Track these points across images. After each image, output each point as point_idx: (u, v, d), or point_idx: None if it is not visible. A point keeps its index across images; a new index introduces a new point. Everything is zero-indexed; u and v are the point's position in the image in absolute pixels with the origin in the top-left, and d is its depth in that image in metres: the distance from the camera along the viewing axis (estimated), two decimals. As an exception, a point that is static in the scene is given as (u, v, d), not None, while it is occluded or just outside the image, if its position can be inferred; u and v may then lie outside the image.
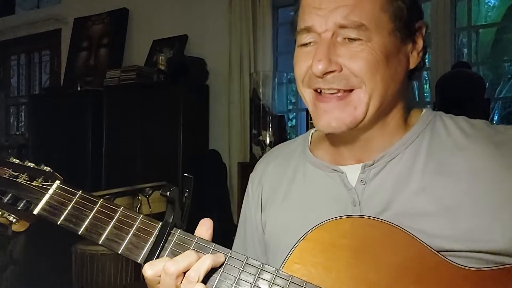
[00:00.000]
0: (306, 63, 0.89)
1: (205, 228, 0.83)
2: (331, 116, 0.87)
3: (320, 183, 0.97)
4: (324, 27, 0.85)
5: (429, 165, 0.87)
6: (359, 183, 0.91)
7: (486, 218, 0.80)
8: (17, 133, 5.31)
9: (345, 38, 0.85)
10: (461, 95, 2.63)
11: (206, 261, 0.76)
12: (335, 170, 0.95)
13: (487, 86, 3.03)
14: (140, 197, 3.08)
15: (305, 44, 0.90)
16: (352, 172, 0.93)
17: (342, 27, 0.84)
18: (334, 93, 0.87)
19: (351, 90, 0.86)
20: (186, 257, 0.76)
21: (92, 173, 4.00)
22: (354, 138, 0.92)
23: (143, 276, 0.79)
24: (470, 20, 3.23)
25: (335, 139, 0.96)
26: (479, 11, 3.53)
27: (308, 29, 0.88)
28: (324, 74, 0.85)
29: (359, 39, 0.84)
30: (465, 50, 3.30)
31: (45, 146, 4.31)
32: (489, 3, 3.83)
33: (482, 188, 0.82)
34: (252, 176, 1.14)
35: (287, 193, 1.01)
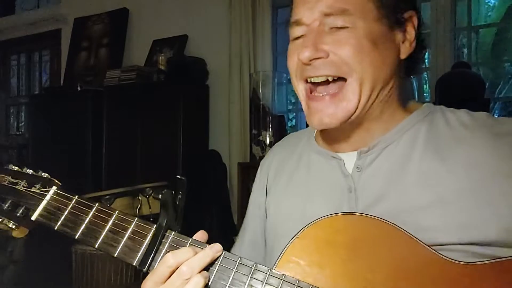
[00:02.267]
0: (297, 55, 0.92)
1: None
2: (323, 113, 0.90)
3: (320, 170, 0.99)
4: (311, 18, 0.89)
5: (426, 155, 0.88)
6: (355, 170, 0.93)
7: (482, 210, 0.80)
8: (17, 133, 5.31)
9: (332, 28, 0.88)
10: (461, 95, 2.63)
11: (206, 259, 0.78)
12: (334, 157, 0.97)
13: (487, 86, 3.02)
14: (140, 197, 3.07)
15: (297, 38, 0.94)
16: (350, 159, 0.94)
17: (328, 15, 0.88)
18: (324, 81, 0.90)
19: (341, 79, 0.89)
20: (186, 253, 0.77)
21: (92, 173, 4.00)
22: (351, 127, 0.94)
23: (143, 277, 0.80)
24: (470, 20, 3.22)
25: (332, 129, 0.97)
26: (479, 11, 3.52)
27: (297, 22, 0.92)
28: (312, 60, 0.88)
29: (345, 27, 0.87)
30: (465, 50, 3.30)
31: (45, 146, 4.31)
32: (489, 3, 3.82)
33: (479, 180, 0.82)
34: (261, 162, 1.18)
35: (290, 179, 1.04)
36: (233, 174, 3.61)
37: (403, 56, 0.93)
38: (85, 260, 2.96)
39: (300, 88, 0.95)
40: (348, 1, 0.87)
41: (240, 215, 3.35)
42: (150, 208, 2.94)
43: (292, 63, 0.95)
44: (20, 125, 5.51)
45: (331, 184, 0.95)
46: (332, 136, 0.99)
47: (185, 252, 0.78)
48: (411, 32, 0.93)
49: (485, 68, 3.45)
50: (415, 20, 0.93)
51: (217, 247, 0.80)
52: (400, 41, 0.92)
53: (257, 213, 1.11)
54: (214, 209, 3.42)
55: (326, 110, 0.89)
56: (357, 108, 0.89)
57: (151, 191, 3.13)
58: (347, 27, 0.87)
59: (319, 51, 0.87)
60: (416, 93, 3.38)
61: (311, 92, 0.92)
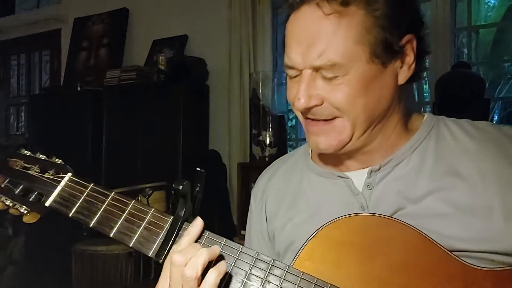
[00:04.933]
0: (294, 92, 0.90)
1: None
2: (318, 139, 0.91)
3: (326, 191, 0.98)
4: (303, 66, 0.87)
5: (438, 167, 0.88)
6: (365, 188, 0.92)
7: (497, 219, 0.81)
8: (17, 133, 5.30)
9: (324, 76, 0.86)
10: (461, 95, 2.64)
11: (202, 255, 0.76)
12: (340, 177, 0.96)
13: (487, 86, 3.02)
14: (140, 198, 3.07)
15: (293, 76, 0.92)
16: (358, 177, 0.94)
17: (318, 69, 0.85)
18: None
19: (334, 118, 0.88)
20: (192, 248, 0.77)
21: (92, 173, 3.99)
22: (356, 152, 0.94)
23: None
24: (470, 20, 3.23)
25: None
26: (479, 11, 3.52)
27: (290, 66, 0.90)
28: (307, 109, 0.88)
29: (336, 77, 0.85)
30: (465, 50, 3.30)
31: (45, 146, 4.28)
32: (489, 3, 3.81)
33: (491, 189, 0.83)
34: (253, 191, 1.15)
35: (293, 204, 1.02)
36: (233, 174, 3.60)
37: (401, 82, 0.90)
38: (85, 260, 2.96)
39: (300, 115, 0.94)
40: (337, 52, 0.83)
41: (240, 215, 3.34)
42: (150, 207, 2.94)
43: (291, 97, 0.93)
44: (20, 125, 5.49)
45: (340, 203, 0.94)
46: (336, 157, 0.98)
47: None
48: (410, 55, 0.89)
49: (485, 68, 3.45)
50: (414, 43, 0.88)
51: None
52: (398, 67, 0.89)
53: (261, 241, 1.09)
54: (214, 209, 3.41)
55: (320, 136, 0.91)
56: (350, 140, 0.89)
57: (151, 191, 3.14)
58: (338, 76, 0.85)
59: (312, 99, 0.87)
60: (416, 93, 3.38)
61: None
